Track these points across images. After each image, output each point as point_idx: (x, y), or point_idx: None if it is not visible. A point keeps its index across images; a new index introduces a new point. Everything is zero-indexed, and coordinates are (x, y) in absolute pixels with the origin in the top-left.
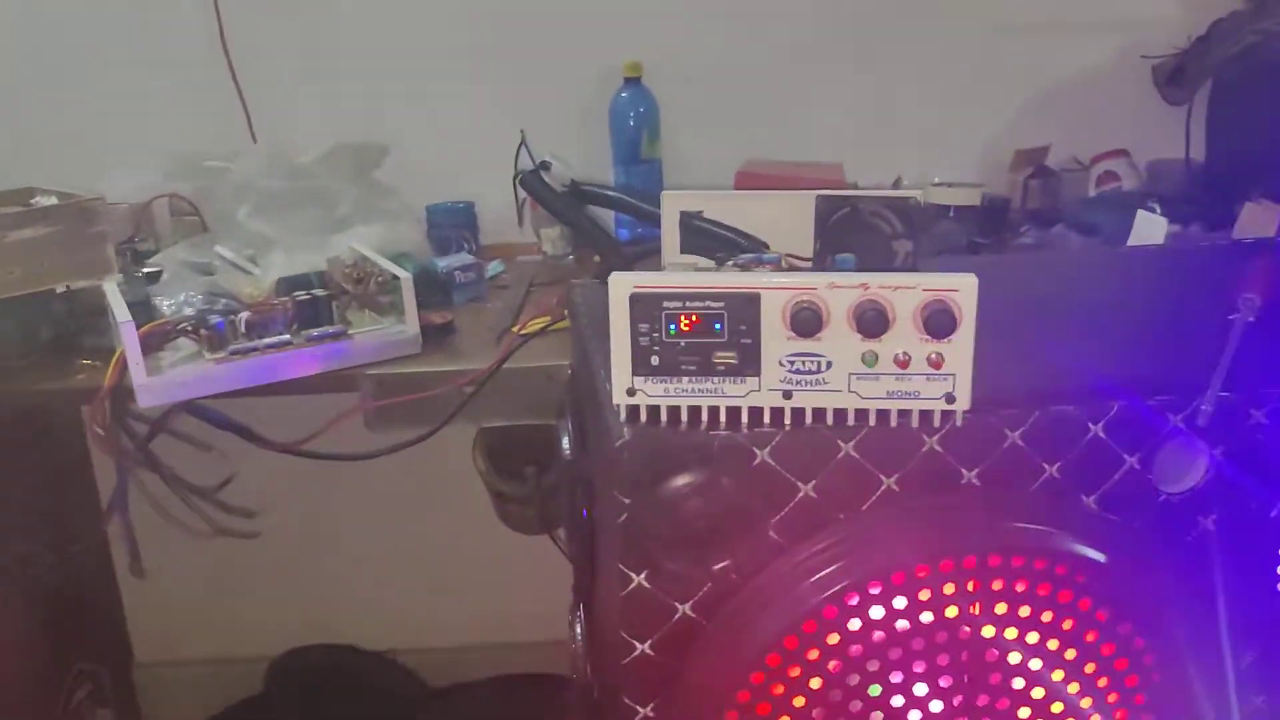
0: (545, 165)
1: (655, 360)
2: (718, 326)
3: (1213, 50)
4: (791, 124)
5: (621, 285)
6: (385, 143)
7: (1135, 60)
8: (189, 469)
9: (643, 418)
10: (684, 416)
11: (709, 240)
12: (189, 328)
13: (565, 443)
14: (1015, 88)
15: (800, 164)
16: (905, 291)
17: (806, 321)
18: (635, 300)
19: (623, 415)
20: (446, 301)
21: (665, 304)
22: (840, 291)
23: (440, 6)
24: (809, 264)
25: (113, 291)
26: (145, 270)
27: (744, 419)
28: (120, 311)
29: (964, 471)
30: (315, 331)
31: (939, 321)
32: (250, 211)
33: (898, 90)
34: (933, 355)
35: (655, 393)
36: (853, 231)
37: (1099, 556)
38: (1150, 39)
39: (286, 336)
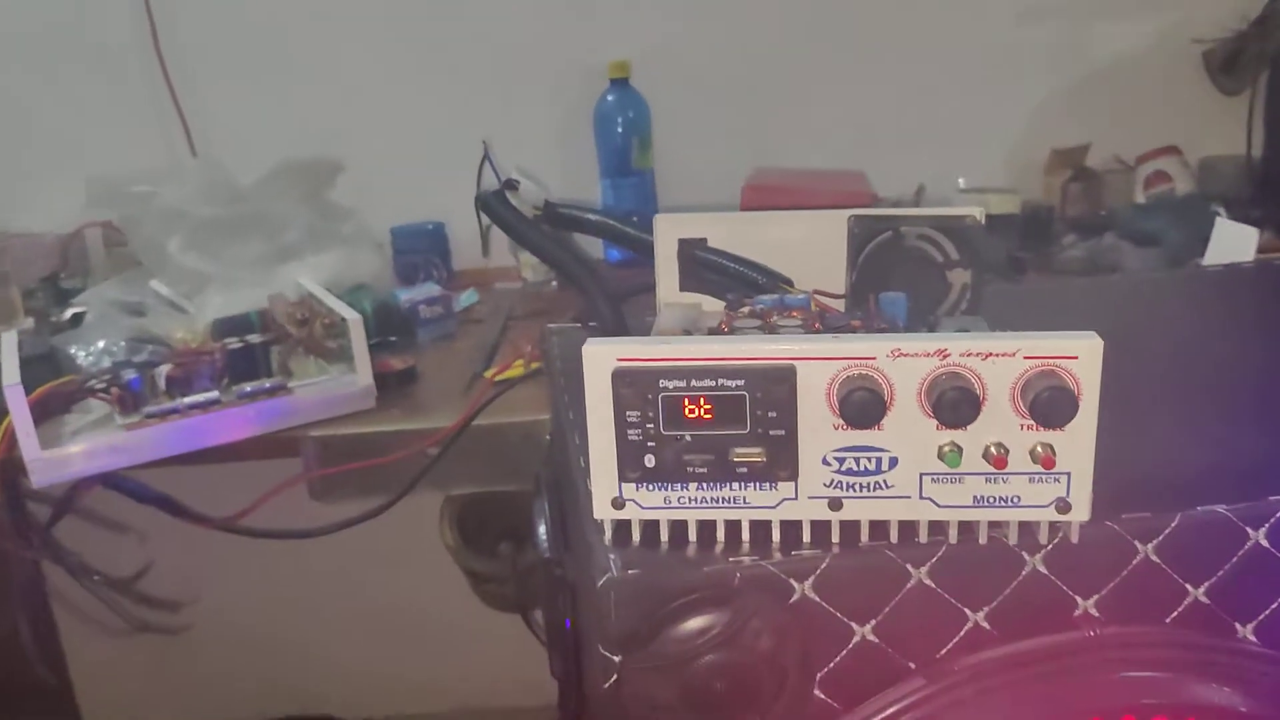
0: (511, 184)
1: (651, 461)
2: (738, 413)
3: (1273, 33)
4: (799, 126)
5: (600, 359)
6: (339, 159)
7: (1183, 45)
8: (104, 555)
9: (635, 539)
10: (692, 536)
11: (715, 275)
12: (98, 386)
13: (542, 533)
14: (1044, 80)
15: (816, 172)
16: (1001, 361)
17: (862, 405)
18: (621, 379)
19: (607, 536)
20: (409, 342)
21: (663, 383)
22: (908, 362)
23: (402, 2)
24: (840, 302)
25: (7, 344)
26: (70, 312)
27: (775, 538)
28: (8, 370)
29: (1079, 600)
30: (249, 386)
31: (1052, 403)
32: (183, 243)
33: (914, 87)
34: (1040, 448)
35: (651, 503)
36: (897, 261)
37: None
38: (1199, 21)
39: (215, 394)
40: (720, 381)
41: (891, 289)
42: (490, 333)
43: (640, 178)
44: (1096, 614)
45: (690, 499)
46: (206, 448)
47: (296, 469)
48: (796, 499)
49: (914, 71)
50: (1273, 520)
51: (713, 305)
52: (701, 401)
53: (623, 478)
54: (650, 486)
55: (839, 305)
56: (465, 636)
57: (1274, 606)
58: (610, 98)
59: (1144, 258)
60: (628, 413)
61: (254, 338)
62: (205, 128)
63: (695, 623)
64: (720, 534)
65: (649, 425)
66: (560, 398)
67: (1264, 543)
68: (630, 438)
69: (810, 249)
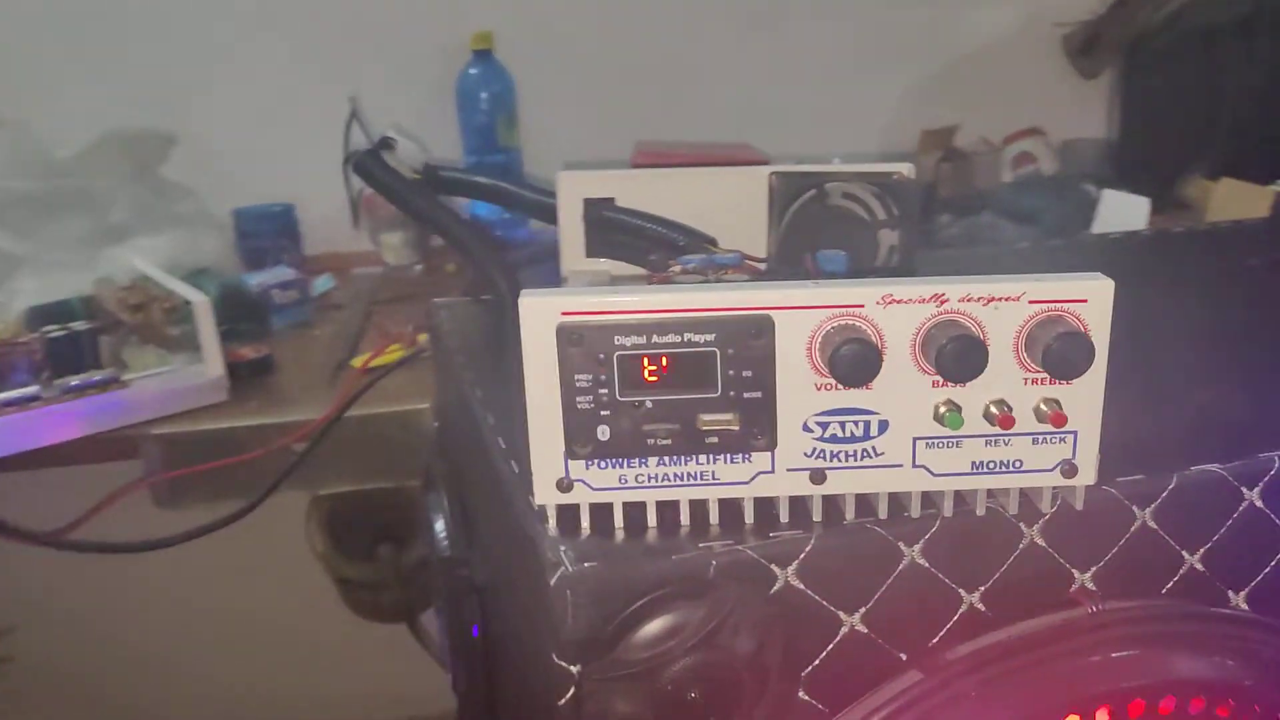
0: (387, 143)
1: (604, 432)
2: (706, 373)
3: (1130, 16)
4: (672, 104)
5: (541, 313)
6: (172, 131)
7: (1045, 29)
8: None
9: (584, 527)
10: (652, 520)
11: (628, 237)
12: None
13: (441, 531)
14: (915, 62)
15: (703, 144)
16: (1005, 307)
17: (855, 360)
18: (568, 336)
19: (551, 525)
20: (262, 330)
21: (619, 340)
22: (901, 310)
23: None
24: (763, 266)
25: None
26: None
27: (749, 519)
28: None
29: (1076, 574)
30: (75, 380)
31: (1065, 352)
32: None
33: (789, 67)
34: (1046, 405)
35: (604, 483)
36: (824, 219)
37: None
38: (1061, 5)
39: (34, 389)
40: (687, 336)
41: (820, 249)
42: (352, 319)
43: (507, 156)
44: (1094, 587)
45: (650, 476)
46: (26, 451)
47: (136, 472)
48: (773, 472)
49: (789, 51)
50: (1266, 478)
51: (623, 270)
52: (664, 361)
53: (571, 454)
54: (603, 464)
55: (762, 268)
56: (337, 650)
57: (1265, 572)
58: (473, 71)
59: (1023, 234)
60: (576, 377)
61: (78, 325)
62: (13, 100)
63: (666, 622)
64: (685, 516)
65: (602, 391)
66: (458, 377)
67: (1259, 503)
68: (580, 406)
69: (724, 209)
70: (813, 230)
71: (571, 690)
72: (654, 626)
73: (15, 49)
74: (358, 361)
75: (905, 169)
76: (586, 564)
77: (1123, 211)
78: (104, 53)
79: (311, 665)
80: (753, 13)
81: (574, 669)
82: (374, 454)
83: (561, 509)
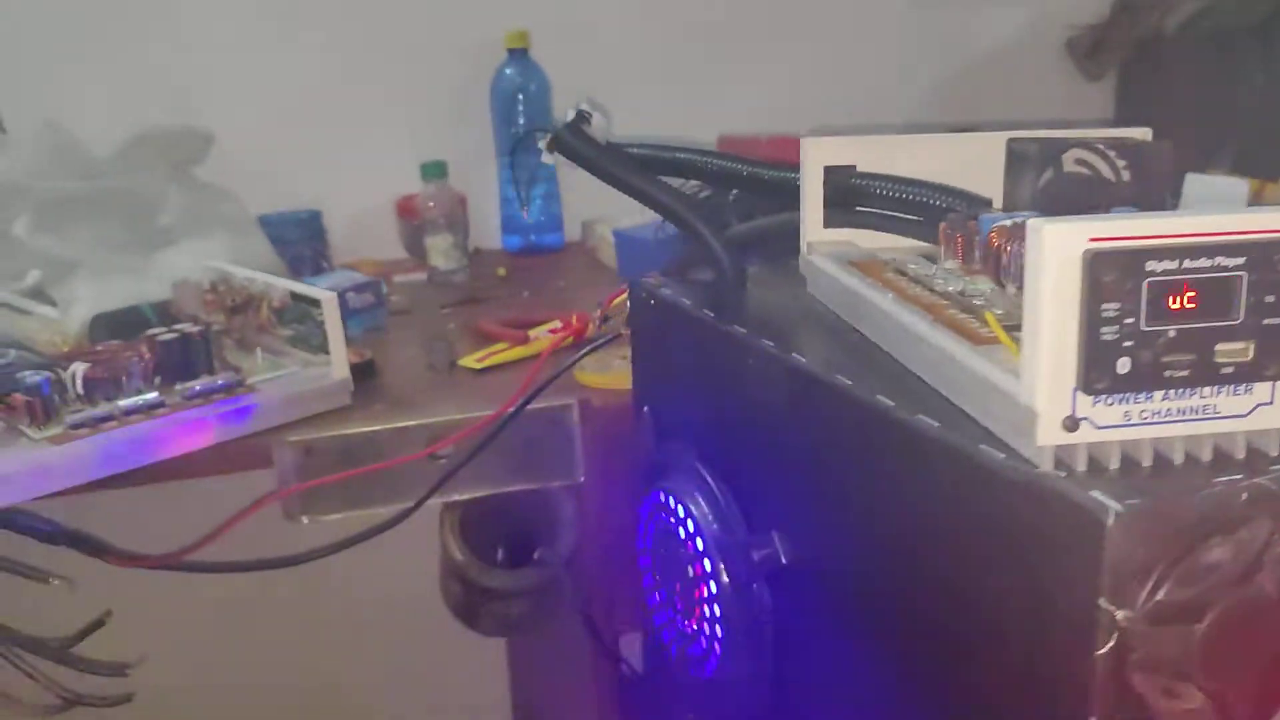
0: (584, 117)
1: (1124, 365)
2: (1227, 300)
3: (1138, 20)
4: (707, 100)
5: (1064, 238)
6: (208, 129)
7: (1053, 32)
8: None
9: (1079, 468)
10: (1177, 456)
11: (880, 203)
12: None
13: (707, 515)
14: (922, 65)
15: (777, 136)
16: None
17: None
18: (1099, 264)
19: (1047, 465)
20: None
21: (1151, 266)
22: None
23: None
24: None
25: None
26: None
27: (1239, 454)
28: None
29: None
30: (198, 385)
31: None
32: (31, 223)
33: (814, 65)
34: None
35: (1108, 420)
36: (1062, 186)
37: None
38: (1066, 8)
39: (155, 395)
40: (1216, 260)
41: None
42: (431, 321)
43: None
44: None
45: (1154, 412)
46: (154, 463)
47: (264, 484)
48: (1272, 404)
49: (813, 54)
50: None
51: (871, 242)
52: (1192, 287)
53: (1087, 388)
54: (1113, 399)
55: None
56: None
57: None
58: (508, 70)
59: None
60: (1103, 306)
61: (187, 327)
62: (16, 103)
63: (1214, 556)
64: (1176, 454)
65: (1127, 321)
66: (718, 348)
67: None
68: (1103, 337)
69: (956, 176)
70: (1052, 196)
71: (1115, 638)
72: (1195, 564)
73: (33, 46)
74: (467, 361)
75: (1143, 133)
76: (1128, 503)
77: (1216, 194)
78: (123, 51)
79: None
80: (779, 17)
81: (1119, 614)
82: (513, 455)
83: (1060, 454)
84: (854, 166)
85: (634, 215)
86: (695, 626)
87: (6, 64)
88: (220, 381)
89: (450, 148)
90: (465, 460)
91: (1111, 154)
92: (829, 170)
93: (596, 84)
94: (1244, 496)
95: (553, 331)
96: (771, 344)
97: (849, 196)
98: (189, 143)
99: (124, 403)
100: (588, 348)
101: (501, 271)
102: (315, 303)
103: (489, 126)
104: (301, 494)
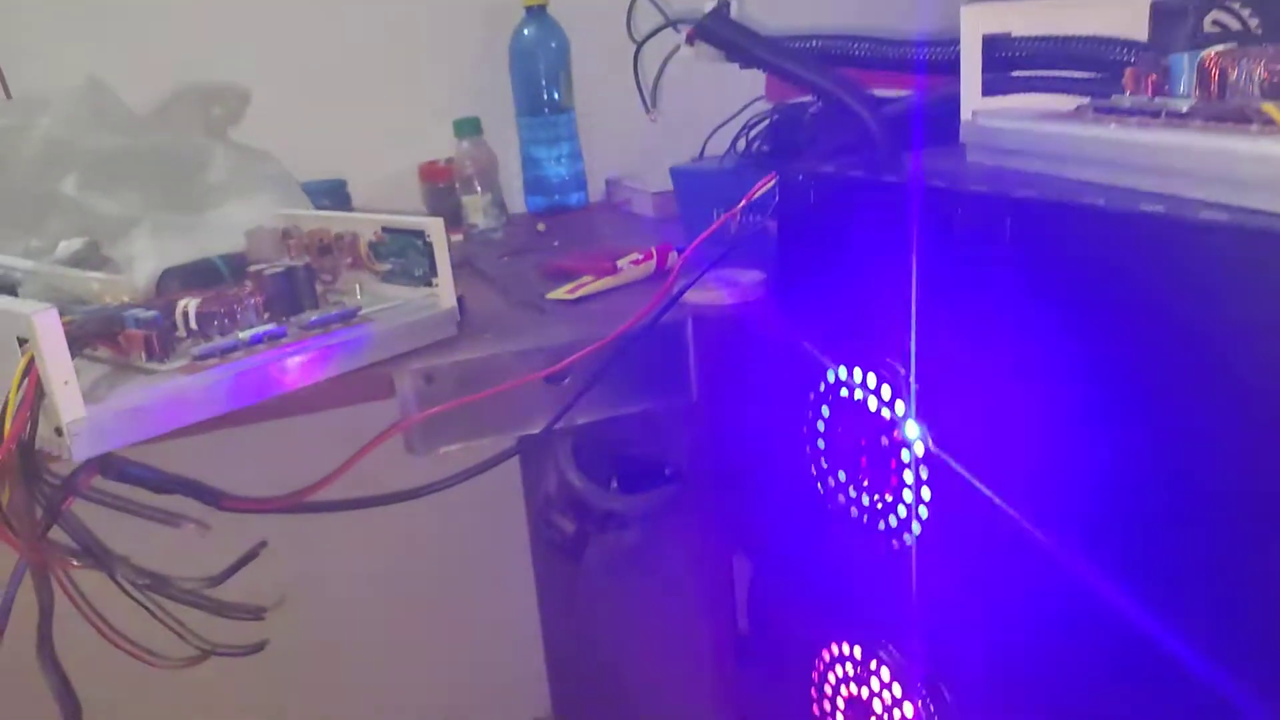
0: (724, 5)
1: None
2: None
3: None
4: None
5: None
6: (246, 87)
7: None
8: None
9: None
10: None
11: (1045, 62)
12: (96, 329)
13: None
14: None
15: None
16: None
17: None
18: None
19: None
20: None
21: None
22: None
23: None
24: None
25: None
26: None
27: None
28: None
29: None
30: (316, 316)
31: None
32: (80, 181)
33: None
34: None
35: None
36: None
37: None
38: None
39: (276, 326)
40: None
41: None
42: (496, 270)
43: (562, 118)
44: None
45: None
46: (277, 397)
47: (370, 418)
48: None
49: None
50: None
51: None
52: None
53: None
54: None
55: None
56: None
57: None
58: (527, 30)
59: None
60: None
61: (290, 262)
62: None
63: None
64: None
65: None
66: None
67: None
68: None
69: None
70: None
71: None
72: None
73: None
74: (557, 294)
75: None
76: None
77: None
78: (142, 11)
79: None
80: None
81: None
82: (627, 378)
83: None
84: (1009, 34)
85: (661, 169)
86: (889, 498)
87: (25, 28)
88: (336, 312)
89: (470, 110)
90: (593, 381)
91: (1245, 12)
92: (987, 38)
93: (617, 41)
94: None
95: (635, 263)
96: (984, 187)
97: (1014, 60)
98: (227, 99)
99: (245, 334)
100: (715, 261)
101: (541, 227)
102: (417, 233)
103: (508, 87)
104: (422, 425)
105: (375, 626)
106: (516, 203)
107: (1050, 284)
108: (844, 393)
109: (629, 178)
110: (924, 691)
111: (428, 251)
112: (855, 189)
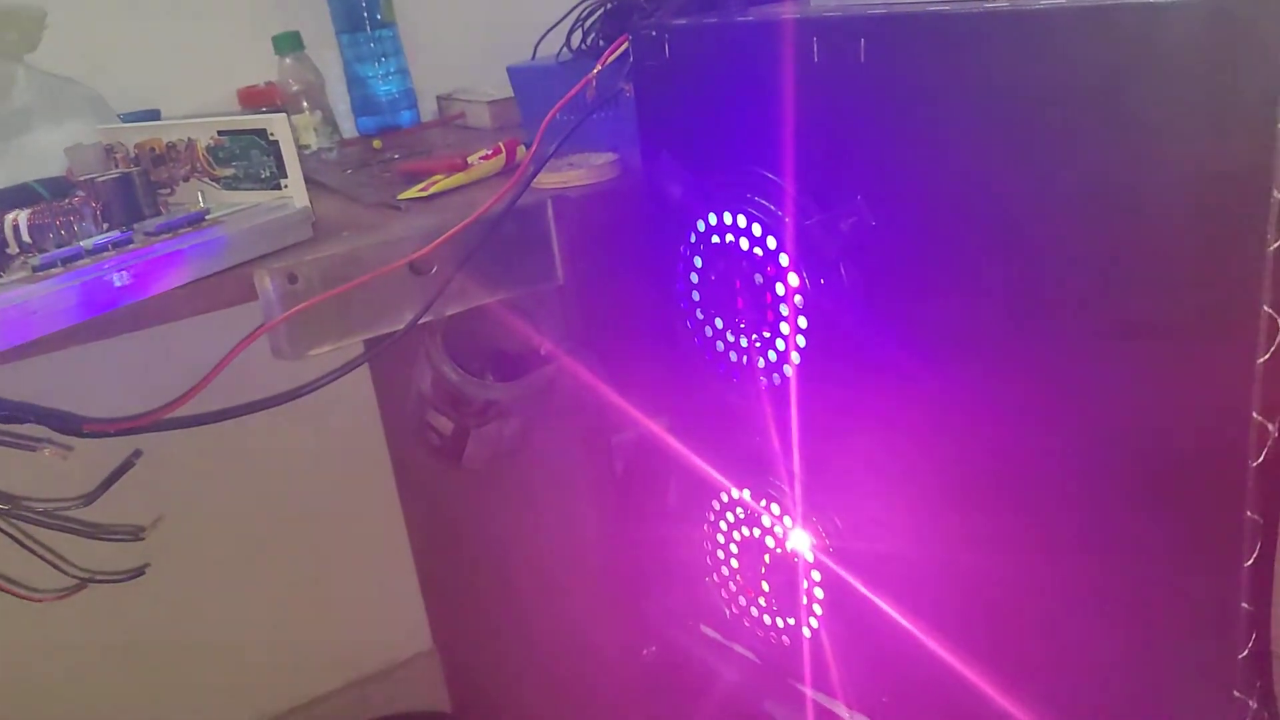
0: None
1: None
2: None
3: None
4: None
5: None
6: (40, 8)
7: None
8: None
9: None
10: None
11: None
12: None
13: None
14: None
15: None
16: None
17: None
18: None
19: None
20: None
21: None
22: None
23: None
24: None
25: None
26: None
27: None
28: None
29: None
30: (161, 221)
31: None
32: None
33: None
34: None
35: None
36: None
37: None
38: None
39: (122, 233)
40: None
41: None
42: (341, 182)
43: (386, 34)
44: None
45: None
46: (134, 303)
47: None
48: None
49: None
50: None
51: None
52: None
53: None
54: None
55: None
56: None
57: None
58: None
59: None
60: None
61: (124, 169)
62: None
63: None
64: None
65: None
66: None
67: None
68: None
69: None
70: None
71: None
72: None
73: None
74: (409, 194)
75: None
76: None
77: None
78: None
79: None
80: None
81: None
82: (492, 265)
83: None
84: None
85: (493, 81)
86: (767, 334)
87: None
88: (183, 216)
89: (280, 26)
90: (459, 266)
91: None
92: None
93: None
94: None
95: (485, 158)
96: (836, 11)
97: None
98: (25, 20)
99: (88, 242)
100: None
101: (377, 144)
102: (259, 132)
103: (324, 4)
104: (289, 327)
105: (248, 549)
106: (346, 126)
107: (907, 96)
108: (715, 239)
109: (460, 91)
110: (817, 523)
111: (273, 151)
112: (711, 35)
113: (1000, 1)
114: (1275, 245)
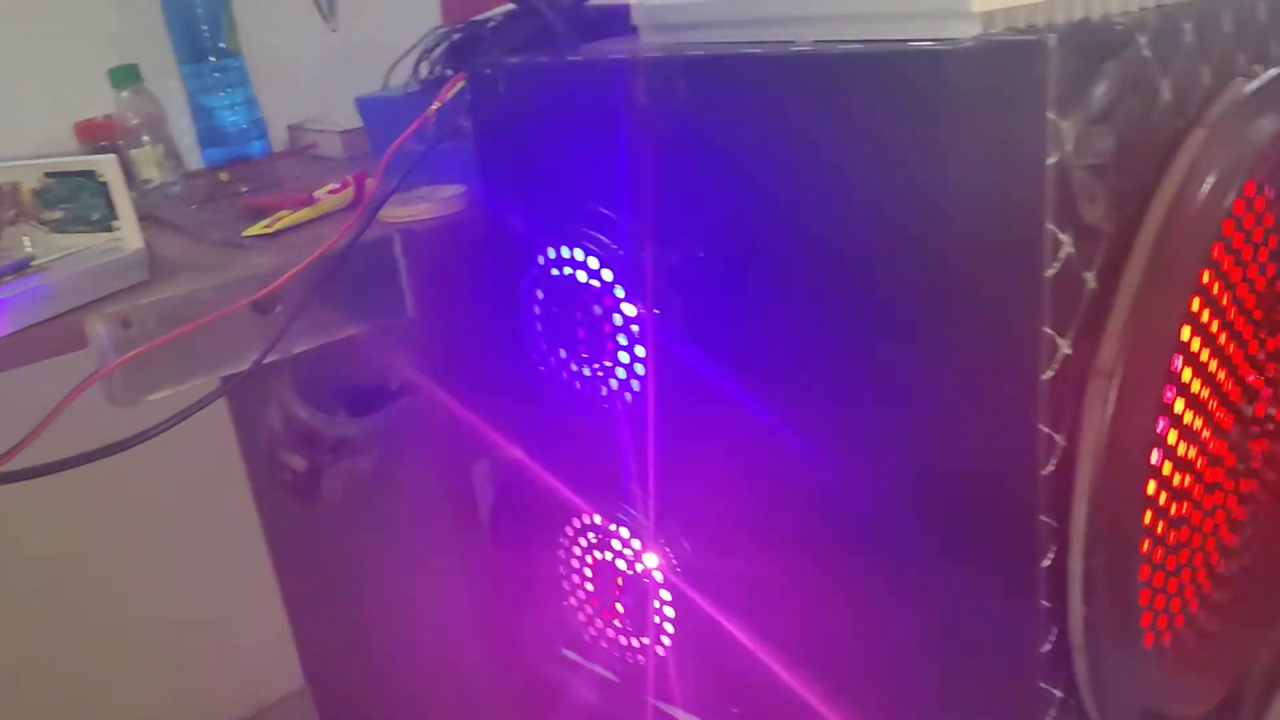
0: None
1: None
2: None
3: None
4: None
5: None
6: None
7: None
8: None
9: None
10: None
11: None
12: None
13: None
14: None
15: None
16: None
17: None
18: None
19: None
20: None
21: None
22: None
23: None
24: None
25: None
26: None
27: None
28: None
29: None
30: None
31: None
32: None
33: None
34: None
35: None
36: None
37: None
38: None
39: None
40: None
41: None
42: (184, 219)
43: (232, 63)
44: None
45: None
46: None
47: (84, 367)
48: None
49: None
50: None
51: None
52: None
53: None
54: None
55: None
56: None
57: None
58: None
59: None
60: None
61: None
62: None
63: (1112, 70)
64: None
65: None
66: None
67: None
68: None
69: None
70: None
71: (1060, 146)
72: (1106, 73)
73: None
74: (255, 230)
75: None
76: (1058, 34)
77: None
78: None
79: None
80: None
81: (1064, 122)
82: (340, 300)
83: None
84: None
85: (345, 110)
86: (609, 363)
87: None
88: (5, 264)
89: (125, 60)
90: (302, 306)
91: None
92: None
93: None
94: (1119, 29)
95: (332, 192)
96: (660, 53)
97: None
98: None
99: None
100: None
101: (224, 176)
102: (88, 174)
103: (164, 36)
104: (124, 373)
105: (106, 597)
106: (193, 159)
107: (724, 127)
108: (554, 271)
109: (311, 121)
110: (664, 544)
111: (102, 192)
112: (542, 74)
113: (805, 46)
114: (1051, 271)
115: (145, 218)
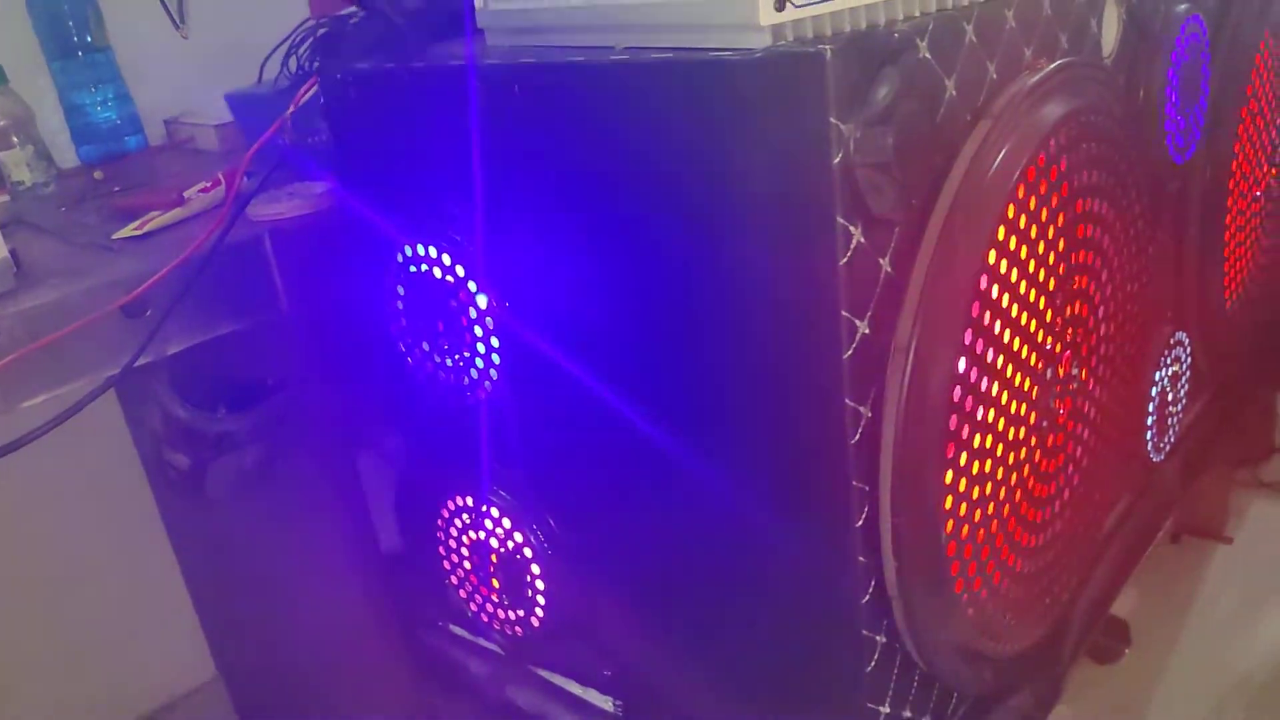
0: None
1: None
2: None
3: None
4: None
5: None
6: None
7: None
8: None
9: (789, 39)
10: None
11: None
12: None
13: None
14: None
15: None
16: None
17: None
18: None
19: (771, 40)
20: None
21: None
22: None
23: None
24: None
25: None
26: None
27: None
28: None
29: None
30: None
31: None
32: None
33: None
34: None
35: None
36: None
37: None
38: None
39: None
40: None
41: None
42: (54, 222)
43: (101, 57)
44: None
45: None
46: None
47: None
48: None
49: None
50: None
51: None
52: None
53: None
54: None
55: None
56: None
57: None
58: None
59: None
60: None
61: None
62: None
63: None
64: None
65: None
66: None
67: None
68: None
69: None
70: None
71: (843, 146)
72: (884, 79)
73: None
74: (124, 232)
75: None
76: (835, 45)
77: None
78: None
79: None
80: None
81: (844, 126)
82: (214, 299)
83: (778, 30)
84: None
85: (221, 103)
86: (468, 354)
87: None
88: None
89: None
90: (172, 307)
91: None
92: None
93: None
94: (896, 36)
95: (203, 191)
96: (494, 59)
97: None
98: None
99: None
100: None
101: (98, 175)
102: None
103: (29, 33)
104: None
105: (10, 599)
106: (67, 157)
107: (553, 130)
108: (413, 269)
109: (187, 114)
110: (531, 521)
111: None
112: (388, 80)
113: (619, 54)
114: (844, 260)
115: (14, 222)
